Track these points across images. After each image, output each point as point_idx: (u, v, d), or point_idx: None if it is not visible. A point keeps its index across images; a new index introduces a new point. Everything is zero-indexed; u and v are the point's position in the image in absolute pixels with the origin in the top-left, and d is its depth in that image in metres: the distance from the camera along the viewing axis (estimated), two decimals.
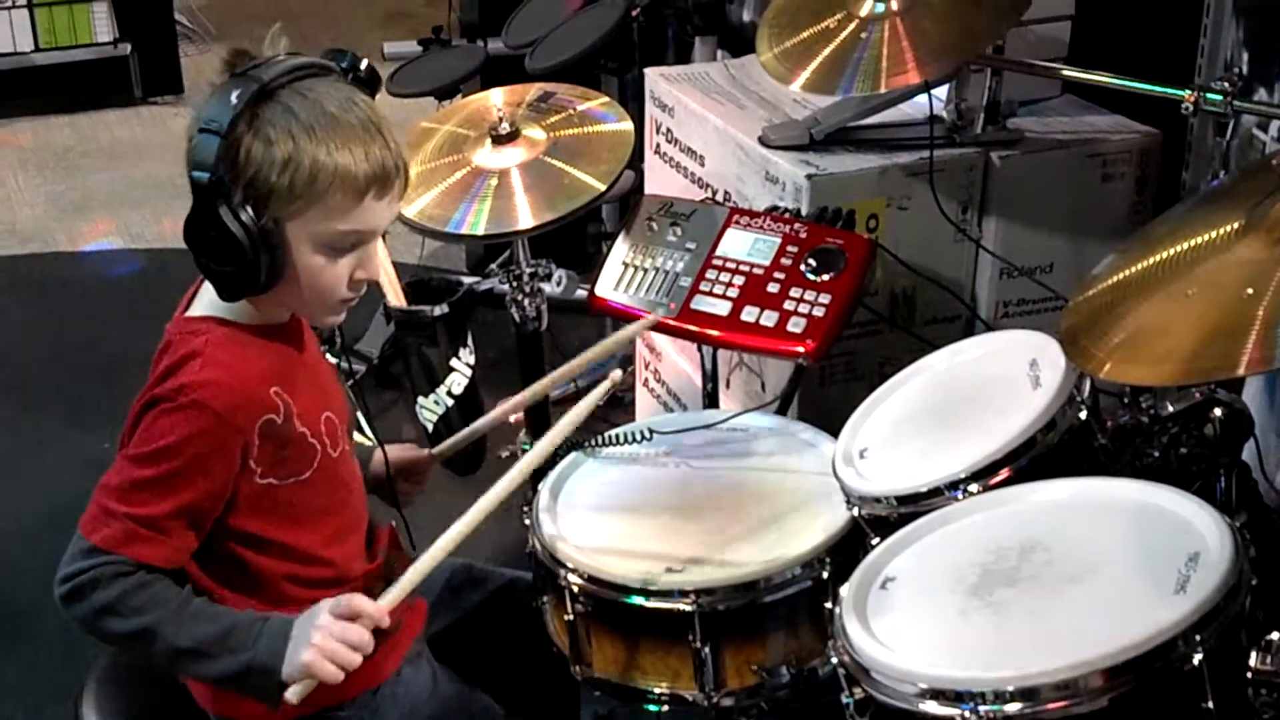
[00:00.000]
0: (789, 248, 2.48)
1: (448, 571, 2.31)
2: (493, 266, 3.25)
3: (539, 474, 2.28)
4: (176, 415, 1.85)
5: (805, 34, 2.66)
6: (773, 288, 2.44)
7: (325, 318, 1.98)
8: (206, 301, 1.95)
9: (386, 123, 1.90)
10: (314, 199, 1.84)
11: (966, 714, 1.60)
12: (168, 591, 1.87)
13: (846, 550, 2.07)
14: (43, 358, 4.57)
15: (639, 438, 2.40)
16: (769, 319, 2.42)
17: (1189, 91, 2.39)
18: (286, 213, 1.84)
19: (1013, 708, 1.59)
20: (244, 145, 1.81)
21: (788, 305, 2.42)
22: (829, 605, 2.02)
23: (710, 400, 2.76)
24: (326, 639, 1.82)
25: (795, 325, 2.40)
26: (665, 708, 2.13)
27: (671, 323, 2.52)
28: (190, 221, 1.85)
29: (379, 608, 1.86)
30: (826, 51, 2.60)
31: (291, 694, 1.83)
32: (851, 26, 2.60)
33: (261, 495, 1.94)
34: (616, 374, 2.09)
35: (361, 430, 3.60)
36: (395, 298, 3.75)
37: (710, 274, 2.51)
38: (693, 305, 2.50)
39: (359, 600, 1.85)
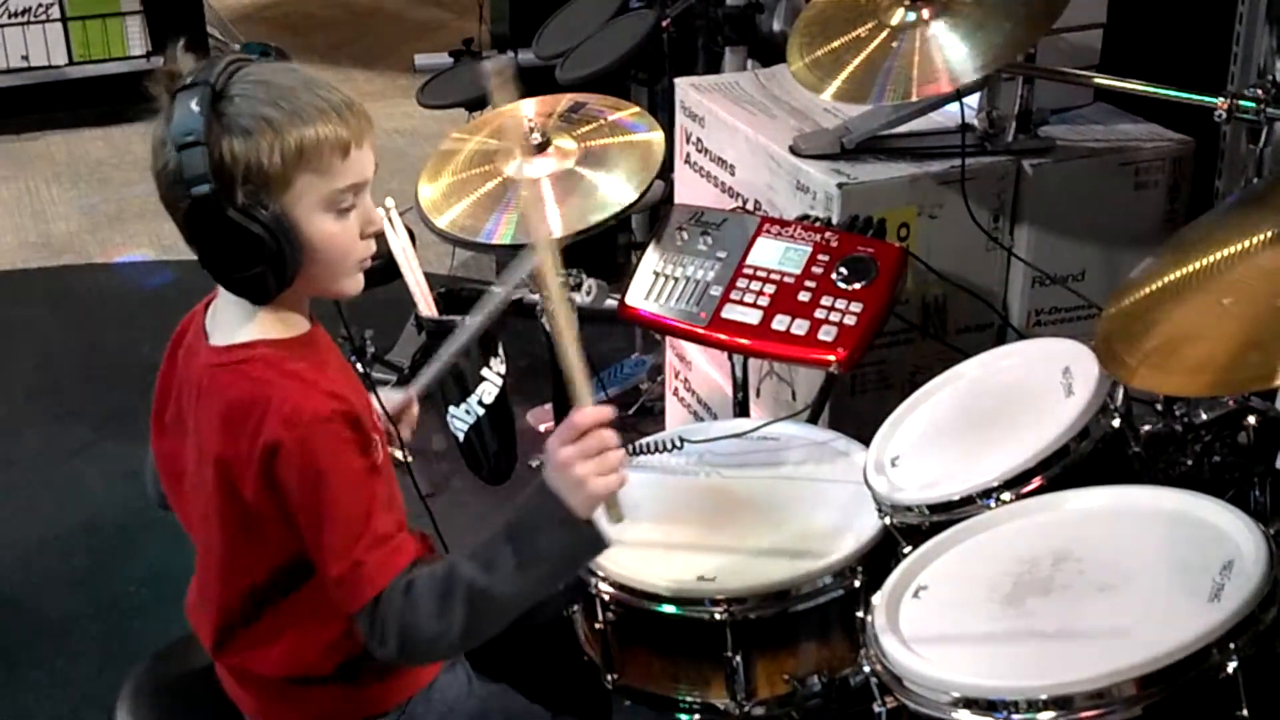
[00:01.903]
0: (820, 256, 2.48)
1: None
2: (524, 276, 3.26)
3: None
4: (305, 451, 1.82)
5: (836, 43, 2.66)
6: (804, 296, 2.44)
7: (348, 286, 1.96)
8: (232, 329, 1.93)
9: (319, 75, 1.91)
10: (307, 169, 1.83)
11: None
12: (441, 565, 1.85)
13: (878, 559, 2.07)
14: (75, 368, 4.59)
15: (670, 447, 2.40)
16: (800, 328, 2.42)
17: (1222, 99, 2.37)
18: (288, 193, 1.83)
19: (1046, 716, 1.58)
20: (225, 146, 1.80)
21: (819, 314, 2.42)
22: (861, 614, 2.02)
23: (741, 409, 2.76)
24: (585, 465, 1.81)
25: (826, 334, 2.39)
26: (696, 717, 2.12)
27: (702, 332, 2.52)
28: (202, 242, 1.84)
29: (595, 409, 1.83)
30: (857, 61, 2.60)
31: (612, 518, 1.84)
32: (883, 35, 2.60)
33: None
34: None
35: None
36: (426, 307, 3.76)
37: (741, 283, 2.51)
38: (723, 314, 2.50)
39: (574, 418, 1.83)
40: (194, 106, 1.80)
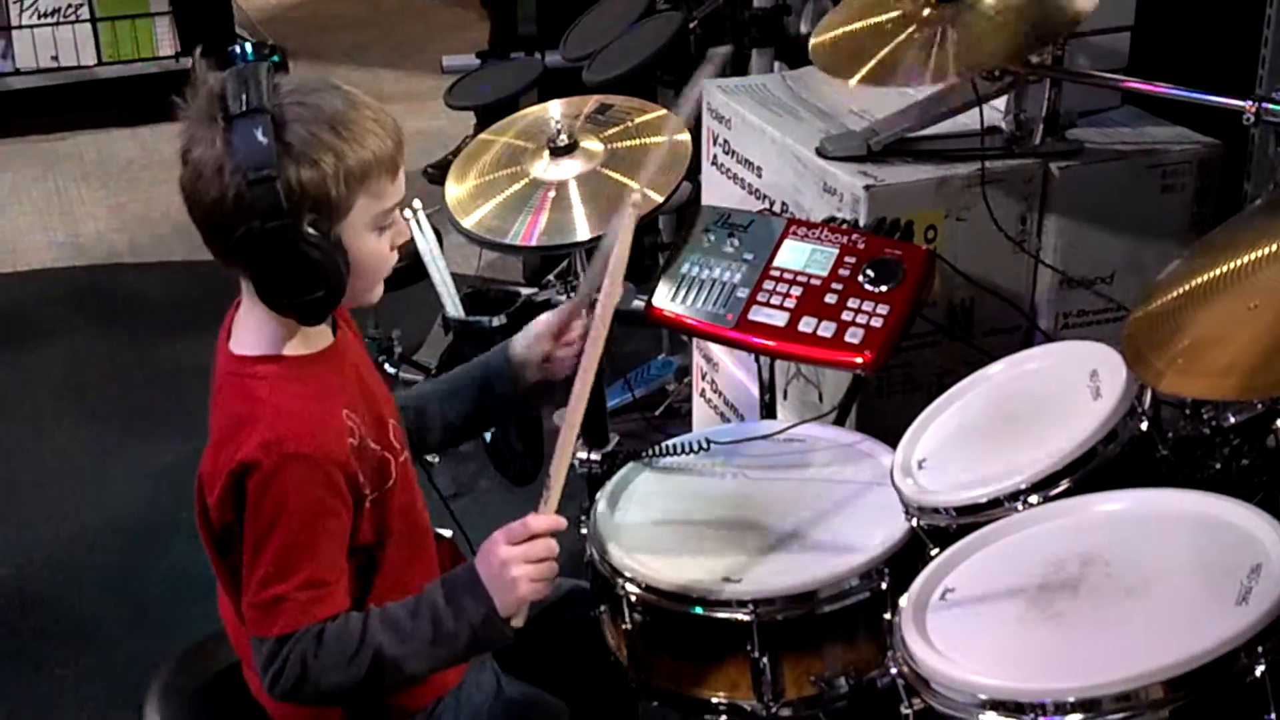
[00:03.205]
0: (847, 258, 2.48)
1: None
2: (550, 277, 3.27)
3: (597, 484, 2.29)
4: (277, 479, 1.84)
5: (858, 25, 2.66)
6: (830, 298, 2.44)
7: (374, 296, 1.98)
8: (252, 337, 1.94)
9: (361, 94, 1.91)
10: (364, 193, 1.85)
11: None
12: (361, 621, 1.90)
13: (905, 561, 2.07)
14: (104, 368, 4.62)
15: (696, 448, 2.40)
16: (826, 329, 2.42)
17: (1250, 102, 2.37)
18: (347, 218, 1.85)
19: (1073, 719, 1.58)
20: (295, 177, 1.80)
21: (845, 316, 2.41)
22: (888, 616, 2.02)
23: (767, 411, 2.76)
24: (522, 568, 1.88)
25: (853, 336, 2.39)
26: (723, 718, 2.12)
27: (729, 333, 2.52)
28: (261, 268, 1.83)
29: (550, 518, 1.91)
30: (883, 54, 2.59)
31: (518, 621, 1.91)
32: (909, 29, 2.60)
33: (370, 512, 1.96)
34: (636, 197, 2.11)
35: None
36: (453, 308, 3.78)
37: (767, 285, 2.51)
38: (750, 316, 2.49)
39: (529, 520, 1.90)
40: (260, 137, 1.78)
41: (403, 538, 2.02)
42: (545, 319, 2.25)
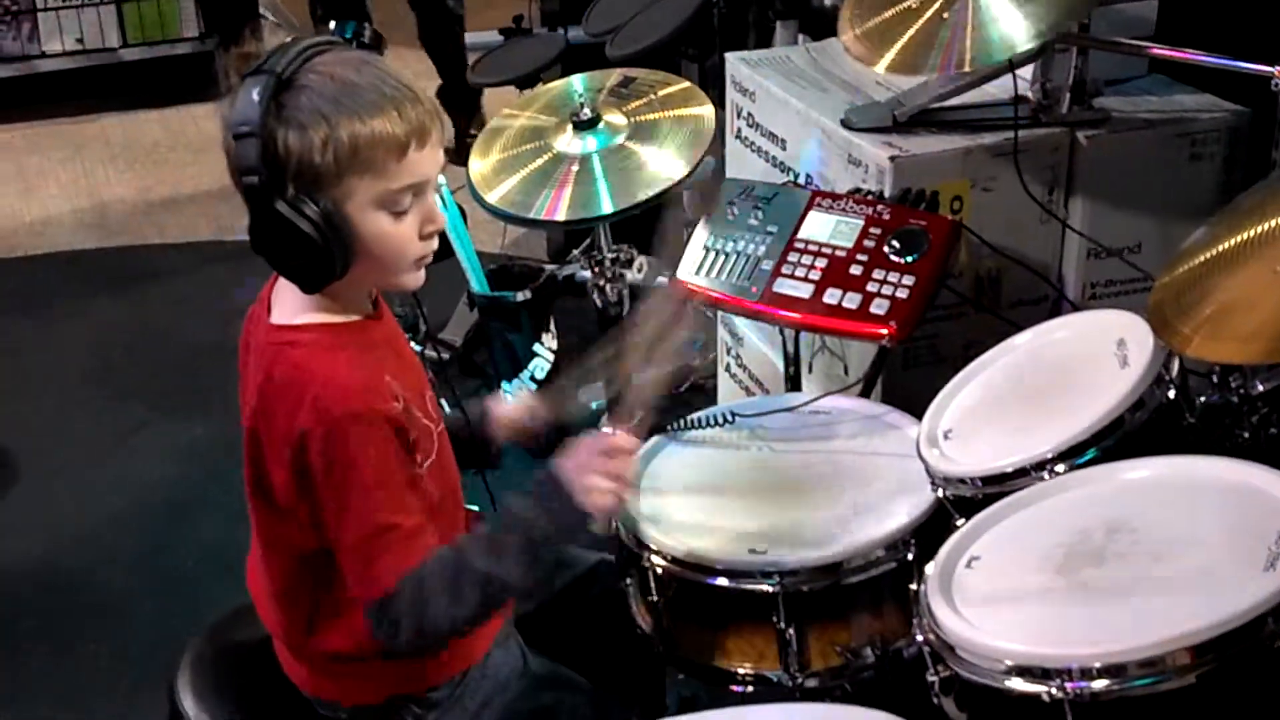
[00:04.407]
0: (872, 230, 2.47)
1: None
2: (575, 253, 3.27)
3: None
4: (338, 441, 1.84)
5: (888, 13, 2.64)
6: (855, 270, 2.43)
7: (407, 281, 1.97)
8: (290, 307, 1.94)
9: (403, 74, 1.90)
10: (361, 169, 1.83)
11: (1053, 690, 1.59)
12: (452, 552, 1.90)
13: (931, 532, 2.06)
14: (130, 348, 4.63)
15: (721, 421, 2.40)
16: (852, 301, 2.41)
17: (1278, 68, 2.35)
18: (340, 190, 1.83)
19: (1099, 684, 1.57)
20: (279, 138, 1.80)
21: (870, 287, 2.41)
22: (914, 586, 2.01)
23: (792, 384, 2.75)
24: (602, 481, 1.92)
25: (878, 307, 2.38)
26: (750, 689, 2.12)
27: (754, 306, 2.51)
28: (254, 229, 1.85)
29: (636, 440, 1.99)
30: (910, 33, 2.58)
31: (596, 527, 1.96)
32: (935, 6, 2.58)
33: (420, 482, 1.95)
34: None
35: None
36: (478, 284, 3.78)
37: (792, 257, 2.50)
38: (775, 288, 2.49)
39: (620, 440, 1.96)
40: (254, 96, 1.80)
41: (444, 513, 2.01)
42: (527, 404, 2.30)
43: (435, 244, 1.96)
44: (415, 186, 1.89)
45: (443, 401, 2.21)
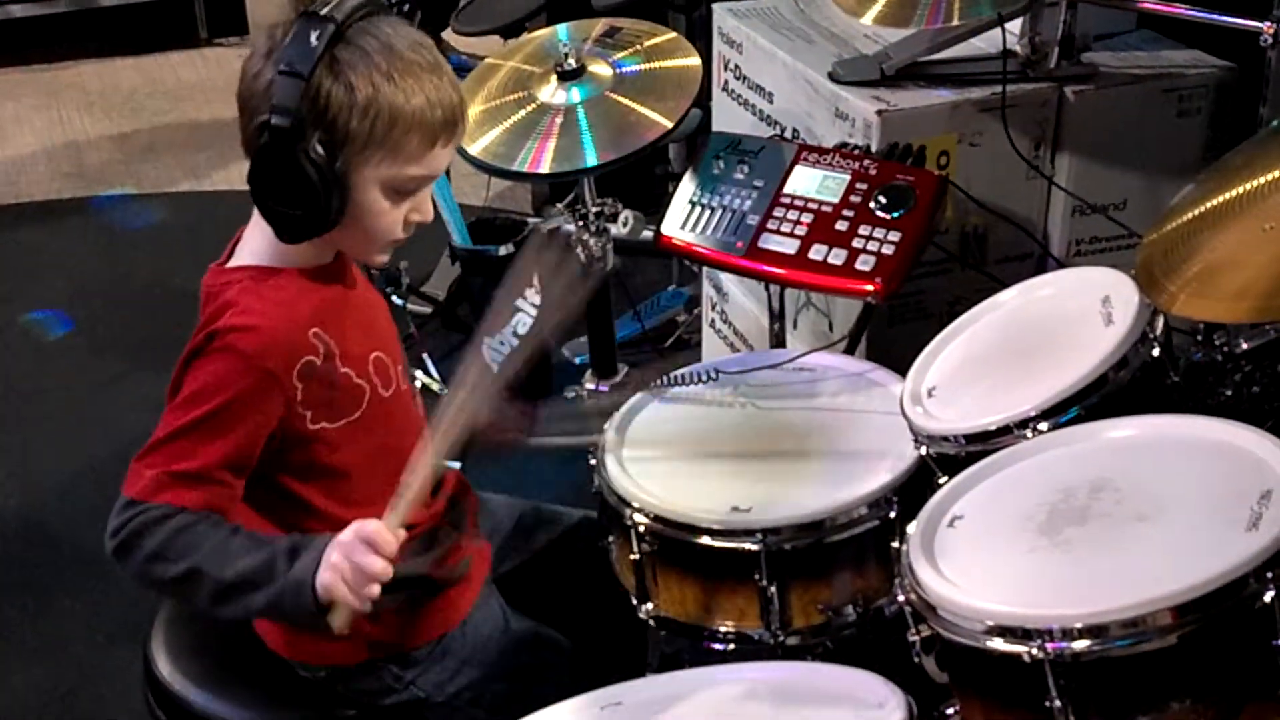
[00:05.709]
0: (858, 185, 2.45)
1: (516, 512, 2.32)
2: (558, 205, 3.24)
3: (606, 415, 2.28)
4: (205, 361, 1.86)
5: None
6: (841, 225, 2.42)
7: (375, 258, 1.97)
8: (246, 252, 1.95)
9: (446, 64, 1.90)
10: (389, 145, 1.84)
11: (1034, 651, 1.58)
12: (211, 530, 1.84)
13: (914, 490, 2.05)
14: (108, 299, 4.61)
15: (705, 378, 2.39)
16: (837, 257, 2.40)
17: (1268, 23, 2.34)
18: (360, 157, 1.83)
19: (1080, 644, 1.56)
20: (325, 89, 1.80)
21: (856, 243, 2.39)
22: (896, 544, 2.00)
23: (777, 340, 2.74)
24: (342, 559, 1.79)
25: (864, 263, 2.37)
26: (731, 646, 2.12)
27: (739, 261, 2.50)
28: (258, 164, 1.83)
29: (390, 544, 1.81)
30: None
31: (333, 620, 1.81)
32: None
33: (317, 439, 1.94)
34: None
35: (427, 372, 3.61)
36: (460, 238, 3.75)
37: (778, 212, 2.49)
38: (760, 244, 2.48)
39: (383, 532, 1.80)
40: (314, 40, 1.79)
41: (374, 477, 1.96)
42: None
43: (411, 232, 1.95)
44: (426, 179, 1.90)
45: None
